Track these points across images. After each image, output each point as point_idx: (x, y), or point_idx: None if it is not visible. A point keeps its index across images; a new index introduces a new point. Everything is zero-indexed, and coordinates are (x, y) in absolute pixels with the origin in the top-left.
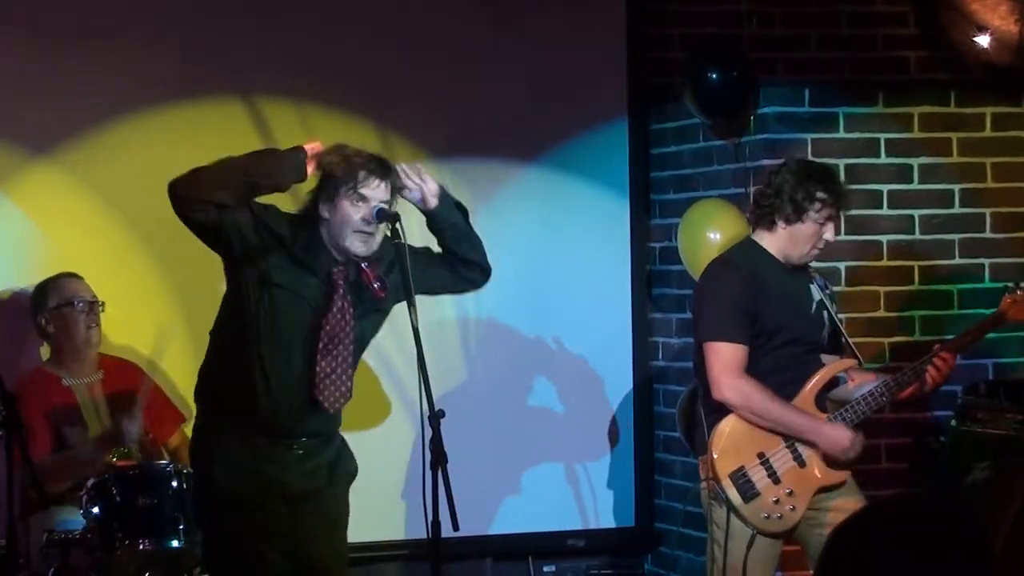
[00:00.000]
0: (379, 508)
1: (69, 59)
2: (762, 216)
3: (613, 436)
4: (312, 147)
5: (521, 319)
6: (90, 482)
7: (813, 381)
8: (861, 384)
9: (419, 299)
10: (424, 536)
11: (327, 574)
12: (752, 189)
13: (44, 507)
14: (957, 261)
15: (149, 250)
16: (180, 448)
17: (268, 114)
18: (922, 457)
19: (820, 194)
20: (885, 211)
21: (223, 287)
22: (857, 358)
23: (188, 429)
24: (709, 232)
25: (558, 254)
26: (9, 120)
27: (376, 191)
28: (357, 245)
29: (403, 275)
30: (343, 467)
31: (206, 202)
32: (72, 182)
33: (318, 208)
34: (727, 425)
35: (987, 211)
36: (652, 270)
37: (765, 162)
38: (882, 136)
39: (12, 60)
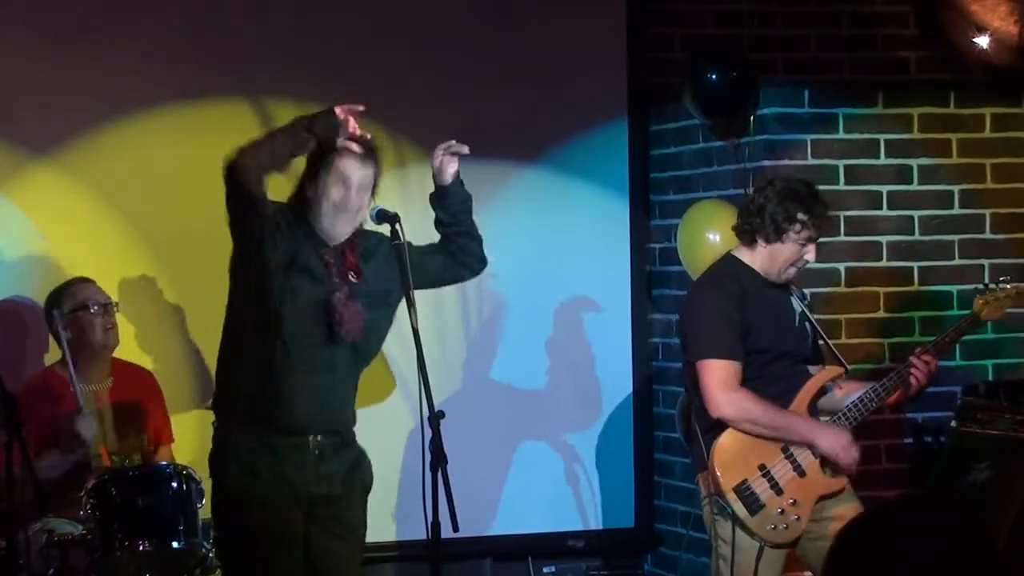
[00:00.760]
0: (379, 509)
1: (69, 60)
2: (744, 233)
3: (613, 437)
4: (342, 109)
5: (521, 319)
6: (90, 482)
7: (803, 392)
8: (849, 392)
9: (419, 301)
10: (424, 537)
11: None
12: (751, 190)
13: (44, 508)
14: (957, 262)
15: (149, 250)
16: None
17: (270, 114)
18: (922, 457)
19: (801, 216)
20: (885, 212)
21: (223, 287)
22: (844, 367)
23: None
24: (709, 233)
25: (558, 254)
26: (9, 120)
27: (355, 171)
28: (337, 225)
29: (403, 275)
30: (359, 476)
31: (261, 176)
32: (72, 183)
33: (305, 189)
34: (727, 439)
35: (987, 212)
36: (652, 271)
37: (765, 163)
38: (882, 137)
39: (12, 60)
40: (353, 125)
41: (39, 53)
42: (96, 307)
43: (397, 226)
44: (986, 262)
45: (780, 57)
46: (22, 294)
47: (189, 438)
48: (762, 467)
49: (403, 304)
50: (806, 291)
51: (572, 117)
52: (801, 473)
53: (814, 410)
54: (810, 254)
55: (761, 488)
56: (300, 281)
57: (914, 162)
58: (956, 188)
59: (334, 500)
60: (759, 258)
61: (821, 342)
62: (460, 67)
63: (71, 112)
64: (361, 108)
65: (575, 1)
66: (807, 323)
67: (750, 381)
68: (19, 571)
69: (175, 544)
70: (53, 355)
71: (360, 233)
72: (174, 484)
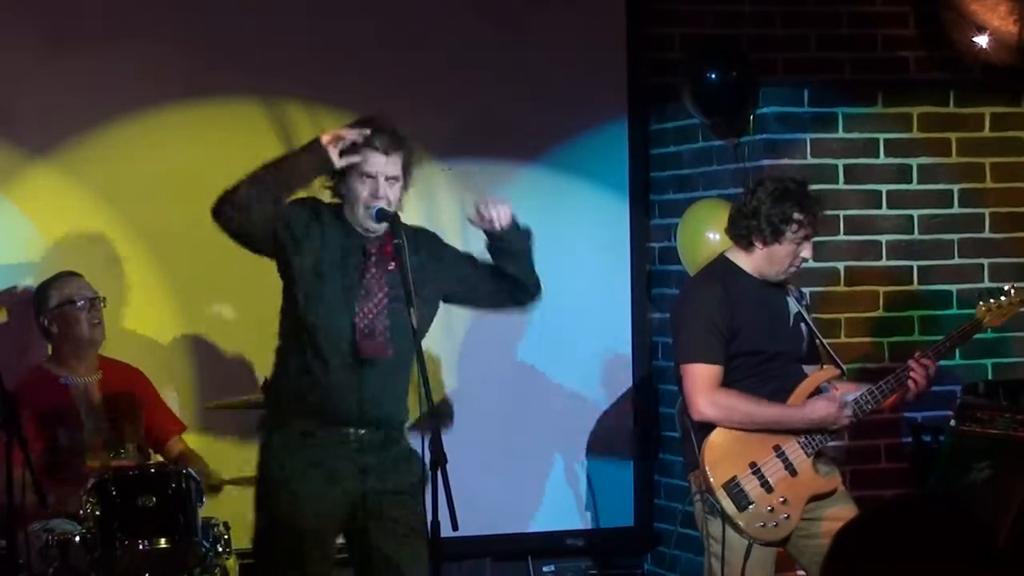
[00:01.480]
0: None
1: (69, 60)
2: (739, 237)
3: (613, 436)
4: (327, 137)
5: (520, 319)
6: (90, 482)
7: (798, 391)
8: (844, 394)
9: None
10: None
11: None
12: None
13: (44, 507)
14: (956, 261)
15: (150, 251)
16: (184, 455)
17: (269, 114)
18: (922, 457)
19: (797, 215)
20: (884, 211)
21: (223, 288)
22: (839, 367)
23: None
24: (709, 232)
25: (558, 254)
26: (9, 120)
27: (382, 166)
28: (370, 221)
29: (402, 276)
30: (405, 473)
31: (247, 222)
32: (72, 183)
33: (339, 188)
34: (717, 437)
35: (986, 211)
36: (652, 270)
37: (765, 162)
38: (881, 136)
39: (12, 60)
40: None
41: (39, 53)
42: (83, 302)
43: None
44: (985, 261)
45: (780, 57)
46: (21, 294)
47: (188, 437)
48: (752, 465)
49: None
50: (804, 291)
51: (572, 117)
52: (792, 472)
53: None
54: (807, 252)
55: (751, 486)
56: (336, 278)
57: (913, 161)
58: (955, 187)
59: (377, 496)
60: (756, 260)
61: (818, 342)
62: (460, 67)
63: (71, 112)
64: (344, 134)
65: (575, 1)
66: (803, 323)
67: (743, 382)
68: (19, 571)
69: (175, 544)
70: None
71: (397, 224)
72: (174, 484)
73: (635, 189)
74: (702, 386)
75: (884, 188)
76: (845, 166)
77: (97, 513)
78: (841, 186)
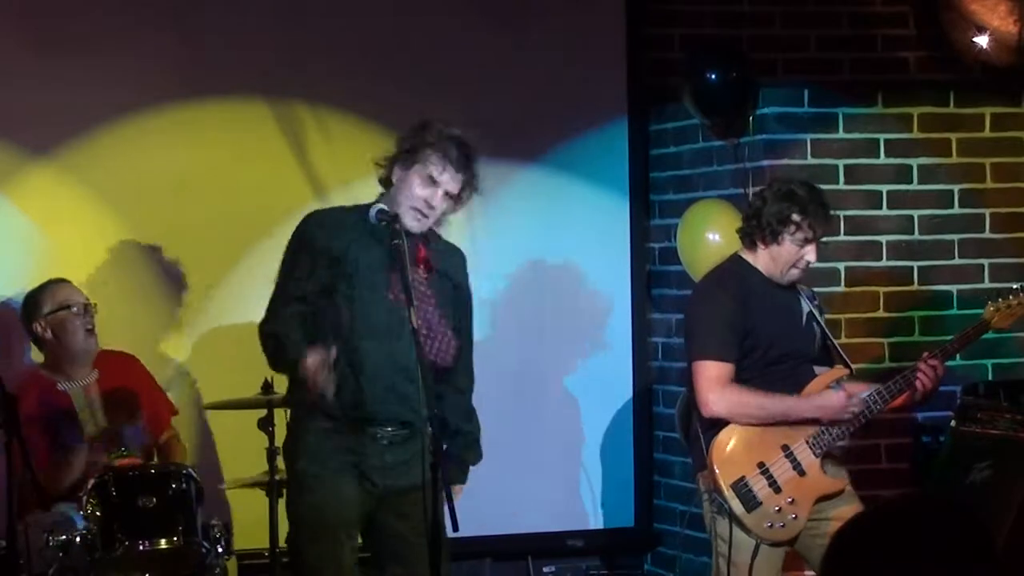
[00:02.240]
0: None
1: (70, 59)
2: (744, 236)
3: (613, 437)
4: (310, 369)
5: (520, 319)
6: (90, 482)
7: (806, 391)
8: (854, 393)
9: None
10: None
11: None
12: (751, 190)
13: (44, 508)
14: (956, 261)
15: (150, 253)
16: (170, 442)
17: (269, 115)
18: (922, 457)
19: (796, 217)
20: (884, 211)
21: (223, 287)
22: (849, 367)
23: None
24: (708, 232)
25: (558, 254)
26: (9, 120)
27: (446, 179)
28: (409, 219)
29: (402, 276)
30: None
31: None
32: (72, 183)
33: (392, 172)
34: (726, 436)
35: (986, 211)
36: (652, 270)
37: (764, 163)
38: (881, 137)
39: (13, 60)
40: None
41: (39, 53)
42: (76, 307)
43: (397, 226)
44: (986, 262)
45: (780, 57)
46: (21, 294)
47: (187, 438)
48: (761, 465)
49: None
50: (815, 290)
51: (572, 117)
52: (801, 472)
53: None
54: (810, 255)
55: (759, 486)
56: (368, 294)
57: (914, 162)
58: (956, 188)
59: (401, 491)
60: (761, 260)
61: (829, 343)
62: (460, 67)
63: (71, 112)
64: (318, 375)
65: (575, 1)
66: (815, 324)
67: (753, 381)
68: (19, 571)
69: (175, 544)
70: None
71: (433, 234)
72: (174, 484)
73: (635, 189)
74: (711, 383)
75: (884, 188)
76: (845, 166)
77: (97, 513)
78: (841, 186)
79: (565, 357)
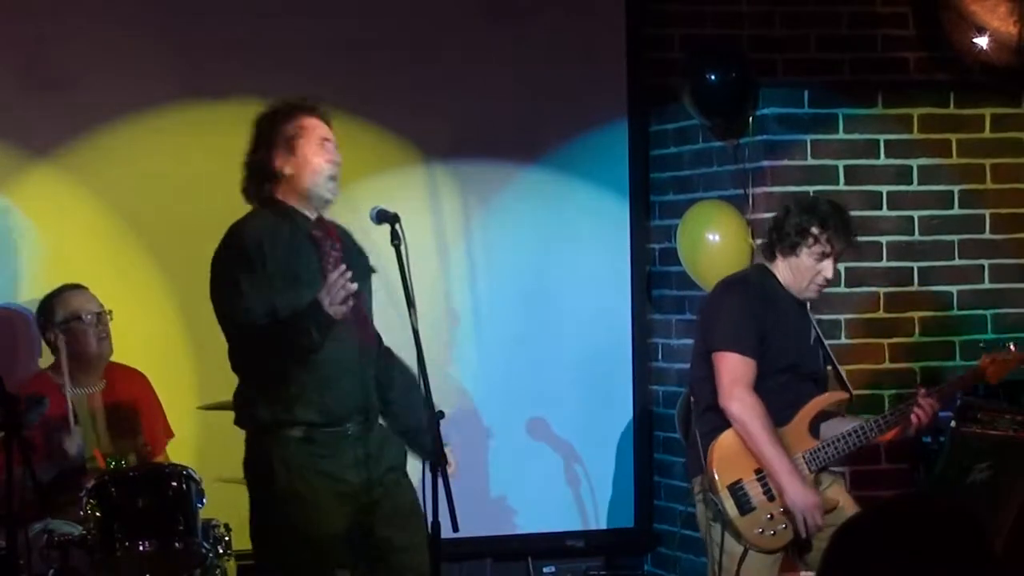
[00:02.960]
0: None
1: (69, 59)
2: (765, 247)
3: (613, 437)
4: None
5: (520, 320)
6: (90, 483)
7: (804, 410)
8: (848, 422)
9: (418, 300)
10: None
11: (399, 563)
12: (751, 190)
13: (44, 508)
14: (957, 262)
15: (152, 254)
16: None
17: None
18: (922, 457)
19: (814, 229)
20: (885, 212)
21: None
22: (849, 393)
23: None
24: (708, 233)
25: (558, 255)
26: (9, 120)
27: (321, 126)
28: (331, 185)
29: (402, 277)
30: (387, 456)
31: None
32: (72, 183)
33: (280, 169)
34: (727, 438)
35: (986, 212)
36: (652, 271)
37: (764, 163)
38: (881, 137)
39: (13, 60)
40: None
41: (39, 53)
42: (89, 316)
43: (397, 226)
44: (986, 262)
45: (780, 57)
46: (21, 294)
47: (187, 437)
48: (758, 471)
49: (403, 304)
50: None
51: (572, 117)
52: None
53: (816, 431)
54: (827, 271)
55: (755, 491)
56: (299, 280)
57: (914, 162)
58: (956, 188)
59: (375, 485)
60: (781, 272)
61: (830, 368)
62: (460, 67)
63: (71, 112)
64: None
65: (575, 1)
66: (820, 345)
67: (755, 386)
68: (19, 571)
69: (175, 544)
70: (47, 359)
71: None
72: (174, 484)
73: (635, 190)
74: (737, 378)
75: (884, 189)
76: (845, 167)
77: (97, 514)
78: (841, 187)
79: (564, 357)
